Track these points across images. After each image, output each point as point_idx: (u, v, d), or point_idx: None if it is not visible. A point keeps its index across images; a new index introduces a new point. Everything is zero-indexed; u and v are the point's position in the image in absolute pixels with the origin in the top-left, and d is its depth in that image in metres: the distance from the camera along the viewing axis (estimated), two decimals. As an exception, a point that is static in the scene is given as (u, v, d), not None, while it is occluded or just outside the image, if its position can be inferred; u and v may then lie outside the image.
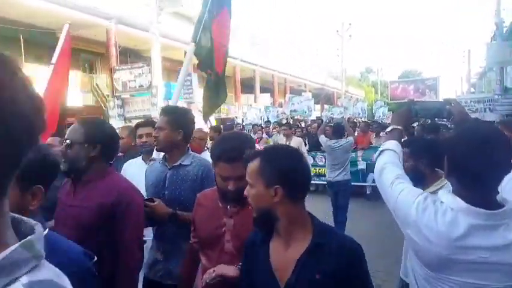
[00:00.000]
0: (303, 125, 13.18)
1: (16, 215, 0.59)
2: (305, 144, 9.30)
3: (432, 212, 1.24)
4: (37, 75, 13.50)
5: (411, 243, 1.31)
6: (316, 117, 15.14)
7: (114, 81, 14.94)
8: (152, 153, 2.89)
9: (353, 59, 69.35)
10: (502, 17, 14.98)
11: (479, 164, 1.18)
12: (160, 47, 13.65)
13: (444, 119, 1.79)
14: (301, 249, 1.25)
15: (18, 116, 0.50)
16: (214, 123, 16.60)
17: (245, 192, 1.33)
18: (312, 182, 8.66)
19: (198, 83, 13.94)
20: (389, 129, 1.60)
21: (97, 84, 16.21)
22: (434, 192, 1.75)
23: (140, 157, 3.07)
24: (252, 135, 11.58)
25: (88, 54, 17.53)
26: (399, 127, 1.57)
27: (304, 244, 1.26)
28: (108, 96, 15.71)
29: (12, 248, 0.51)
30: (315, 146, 8.99)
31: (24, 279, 0.51)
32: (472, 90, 33.06)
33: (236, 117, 19.39)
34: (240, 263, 1.50)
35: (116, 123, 13.26)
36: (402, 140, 2.21)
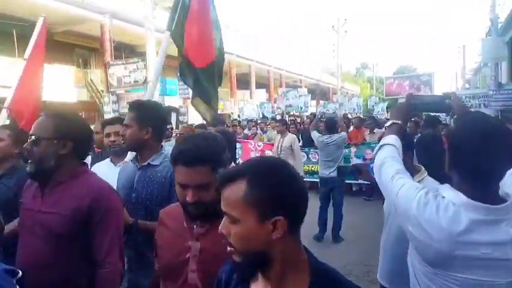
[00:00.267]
0: (298, 120, 13.15)
1: None
2: (299, 141, 9.23)
3: (433, 207, 1.22)
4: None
5: (412, 239, 1.29)
6: (311, 113, 15.10)
7: (109, 77, 14.85)
8: (122, 154, 2.58)
9: (349, 55, 69.47)
10: (496, 13, 15.03)
11: (482, 158, 1.17)
12: (155, 42, 13.55)
13: (444, 113, 1.79)
14: None
15: None
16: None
17: (223, 230, 0.95)
18: (306, 180, 8.48)
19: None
20: (388, 123, 1.58)
21: (91, 80, 16.09)
22: None
23: (109, 159, 2.73)
24: (247, 131, 11.56)
25: (82, 49, 17.40)
26: (399, 121, 1.55)
27: None
28: (103, 91, 15.61)
29: None
30: (308, 142, 8.76)
31: None
32: (467, 86, 33.25)
33: (232, 113, 19.34)
34: None
35: (111, 119, 13.16)
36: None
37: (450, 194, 1.24)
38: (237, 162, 11.23)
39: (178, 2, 2.96)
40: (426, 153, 2.19)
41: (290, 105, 15.06)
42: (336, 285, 0.97)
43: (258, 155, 8.24)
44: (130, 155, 2.38)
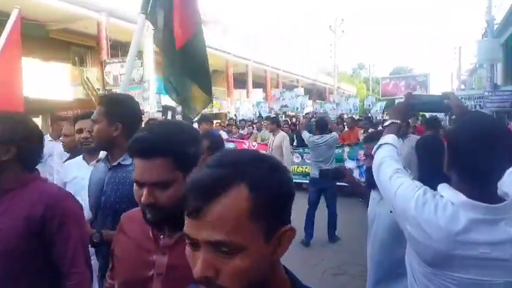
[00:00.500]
0: (294, 121, 13.13)
1: None
2: (293, 141, 9.16)
3: (432, 207, 1.21)
4: (25, 68, 13.31)
5: (410, 238, 1.29)
6: (306, 113, 15.12)
7: (105, 75, 14.79)
8: (95, 152, 2.35)
9: (345, 55, 69.59)
10: (492, 15, 15.11)
11: (480, 158, 1.17)
12: (152, 41, 13.51)
13: (442, 113, 1.79)
14: None
15: None
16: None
17: (208, 273, 0.64)
18: (300, 181, 8.50)
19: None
20: (387, 123, 1.58)
21: (87, 78, 16.00)
22: None
23: (81, 156, 2.52)
24: (242, 131, 11.54)
25: (79, 47, 17.29)
26: (398, 121, 1.55)
27: None
28: (99, 89, 15.54)
29: None
30: (303, 143, 8.74)
31: None
32: (462, 87, 33.44)
33: (229, 112, 19.31)
34: None
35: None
36: (368, 135, 2.25)
37: (448, 194, 1.23)
38: None
39: None
40: (427, 154, 2.20)
41: (286, 106, 15.04)
42: None
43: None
44: (102, 153, 2.16)
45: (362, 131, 8.95)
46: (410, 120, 6.77)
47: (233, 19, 27.64)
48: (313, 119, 6.91)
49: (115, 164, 1.86)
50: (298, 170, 9.01)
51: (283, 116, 14.51)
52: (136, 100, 2.06)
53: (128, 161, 1.80)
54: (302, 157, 9.13)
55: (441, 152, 1.33)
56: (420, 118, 11.51)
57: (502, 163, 1.19)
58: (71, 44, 16.19)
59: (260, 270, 0.66)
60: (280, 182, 0.69)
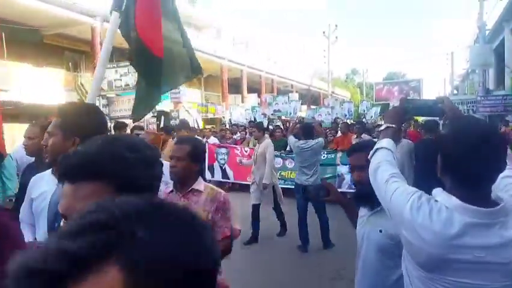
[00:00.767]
0: (288, 125, 13.13)
1: None
2: (286, 146, 9.07)
3: (426, 211, 1.22)
4: (19, 73, 13.24)
5: (405, 243, 1.29)
6: (297, 116, 15.07)
7: (99, 80, 14.68)
8: None
9: (339, 61, 70.05)
10: (484, 21, 15.31)
11: (474, 162, 1.18)
12: (147, 46, 13.49)
13: (437, 117, 1.80)
14: None
15: None
16: (201, 125, 16.50)
17: None
18: (288, 187, 8.35)
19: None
20: (383, 127, 1.59)
21: (81, 83, 15.93)
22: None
23: (50, 171, 2.18)
24: (235, 136, 11.52)
25: (73, 52, 17.25)
26: (394, 125, 1.56)
27: None
28: (93, 95, 15.43)
29: None
30: None
31: None
32: (455, 92, 33.73)
33: (223, 117, 19.30)
34: None
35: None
36: (352, 147, 2.12)
37: (443, 198, 1.24)
38: (223, 167, 10.95)
39: None
40: (425, 158, 2.19)
41: (279, 110, 15.05)
42: None
43: (244, 160, 8.10)
44: None
45: (355, 136, 8.94)
46: (402, 124, 6.79)
47: (226, 22, 27.68)
48: (298, 124, 6.84)
49: None
50: (292, 176, 9.00)
51: (278, 120, 14.50)
52: (100, 110, 1.85)
53: None
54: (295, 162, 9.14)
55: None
56: (413, 123, 11.53)
57: (495, 167, 1.20)
58: (65, 49, 16.15)
59: None
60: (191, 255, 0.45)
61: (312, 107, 21.00)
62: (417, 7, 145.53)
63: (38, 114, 12.11)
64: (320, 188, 2.20)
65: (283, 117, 14.80)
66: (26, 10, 12.37)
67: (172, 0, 2.76)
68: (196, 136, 9.93)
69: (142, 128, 7.54)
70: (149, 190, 0.85)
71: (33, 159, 2.91)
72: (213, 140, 10.97)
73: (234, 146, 10.27)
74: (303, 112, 18.55)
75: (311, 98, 30.98)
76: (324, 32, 30.98)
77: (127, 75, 13.90)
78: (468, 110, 12.53)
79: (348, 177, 8.08)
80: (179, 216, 0.47)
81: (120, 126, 8.63)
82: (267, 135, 7.06)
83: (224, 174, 10.12)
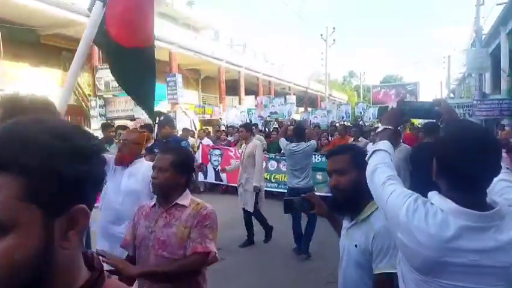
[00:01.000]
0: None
1: None
2: (280, 151, 9.04)
3: (422, 214, 1.22)
4: (16, 73, 13.19)
5: (401, 246, 1.29)
6: (291, 118, 15.07)
7: (96, 81, 14.71)
8: None
9: (336, 63, 70.33)
10: (481, 25, 15.41)
11: (469, 165, 1.18)
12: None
13: (433, 120, 1.79)
14: None
15: None
16: (198, 126, 16.48)
17: None
18: (280, 190, 8.44)
19: (182, 84, 13.78)
20: (380, 129, 1.58)
21: (78, 84, 15.90)
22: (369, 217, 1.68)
23: None
24: (230, 137, 11.51)
25: (70, 52, 17.17)
26: (391, 127, 1.56)
27: None
28: (90, 95, 15.43)
29: None
30: None
31: None
32: (451, 95, 33.91)
33: (221, 118, 19.30)
34: None
35: (97, 123, 13.03)
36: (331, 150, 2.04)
37: (438, 201, 1.24)
38: (217, 169, 10.91)
39: None
40: (421, 162, 2.19)
41: (276, 112, 15.07)
42: None
43: (233, 163, 8.10)
44: None
45: (352, 140, 8.93)
46: (399, 128, 6.81)
47: (224, 24, 27.73)
48: (291, 127, 6.77)
49: None
50: (285, 179, 9.00)
51: (275, 123, 14.52)
52: (51, 101, 1.65)
53: None
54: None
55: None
56: (409, 126, 11.55)
57: (490, 171, 1.20)
58: (63, 50, 16.08)
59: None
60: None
61: (309, 109, 21.03)
62: (415, 10, 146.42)
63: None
64: (303, 201, 2.01)
65: (280, 119, 14.82)
66: (24, 10, 12.33)
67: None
68: (190, 137, 9.89)
69: (125, 128, 7.45)
70: (80, 190, 0.66)
71: None
72: (207, 141, 11.01)
73: (228, 147, 10.26)
74: (298, 114, 18.57)
75: (308, 100, 31.01)
76: (321, 35, 31.07)
77: (124, 76, 13.85)
78: (464, 114, 12.58)
79: None
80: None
81: (105, 126, 8.41)
82: (261, 137, 7.00)
83: (217, 176, 10.12)
